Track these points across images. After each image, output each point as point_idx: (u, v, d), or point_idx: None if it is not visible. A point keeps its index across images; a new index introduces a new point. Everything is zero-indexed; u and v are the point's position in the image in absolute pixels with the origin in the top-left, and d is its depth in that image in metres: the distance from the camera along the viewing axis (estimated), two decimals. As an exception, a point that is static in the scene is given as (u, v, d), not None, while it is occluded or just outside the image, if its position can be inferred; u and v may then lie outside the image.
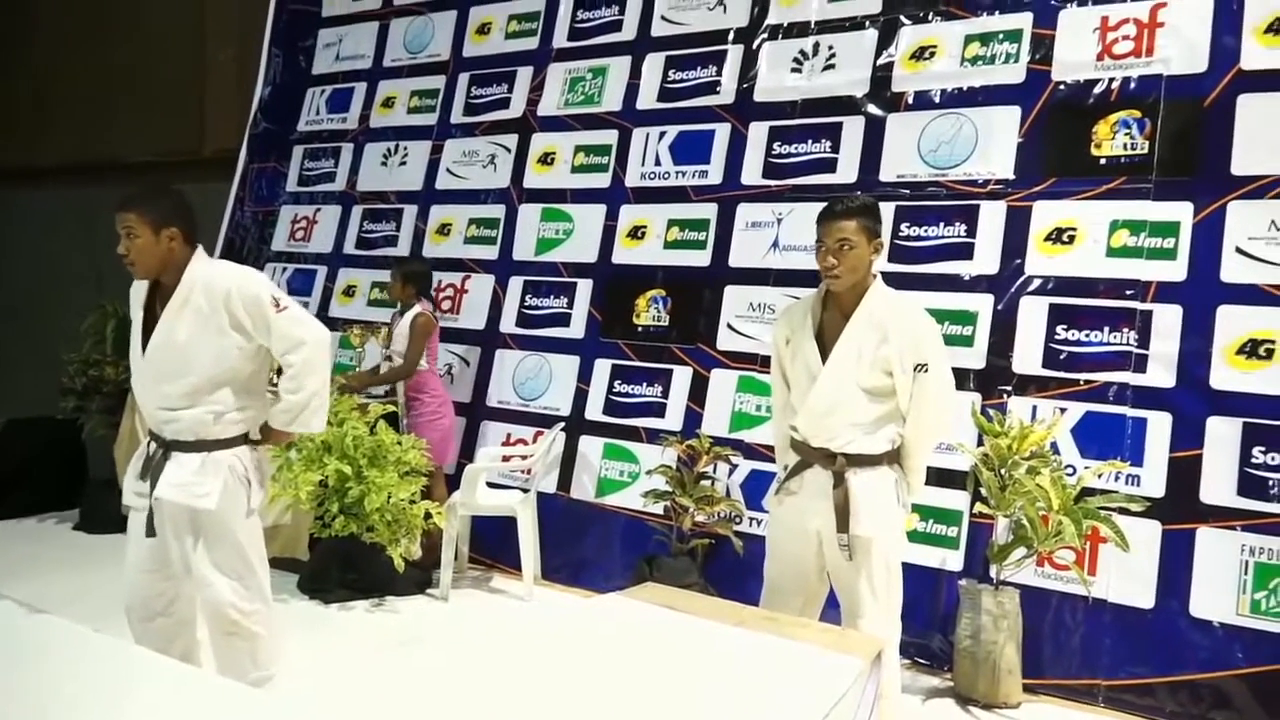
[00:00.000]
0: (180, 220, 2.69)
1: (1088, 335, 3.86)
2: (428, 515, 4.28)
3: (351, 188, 6.17)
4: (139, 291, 2.80)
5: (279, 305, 2.68)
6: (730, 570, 4.18)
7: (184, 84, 7.77)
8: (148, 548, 2.73)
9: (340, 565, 4.43)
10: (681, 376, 4.73)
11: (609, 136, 5.23)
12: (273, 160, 6.58)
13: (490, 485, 4.83)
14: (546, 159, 5.43)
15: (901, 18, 4.54)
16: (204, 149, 7.52)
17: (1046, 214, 4.04)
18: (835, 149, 4.57)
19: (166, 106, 7.88)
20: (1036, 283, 4.00)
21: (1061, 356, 3.88)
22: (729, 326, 4.65)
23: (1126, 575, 3.59)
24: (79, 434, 5.85)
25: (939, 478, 3.88)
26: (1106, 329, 3.82)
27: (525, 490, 4.72)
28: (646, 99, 5.16)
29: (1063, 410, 3.80)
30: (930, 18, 4.48)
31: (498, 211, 5.53)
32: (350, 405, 4.50)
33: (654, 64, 5.19)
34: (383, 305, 5.82)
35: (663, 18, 5.22)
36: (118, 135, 8.18)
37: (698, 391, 4.66)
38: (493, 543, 4.89)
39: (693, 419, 4.61)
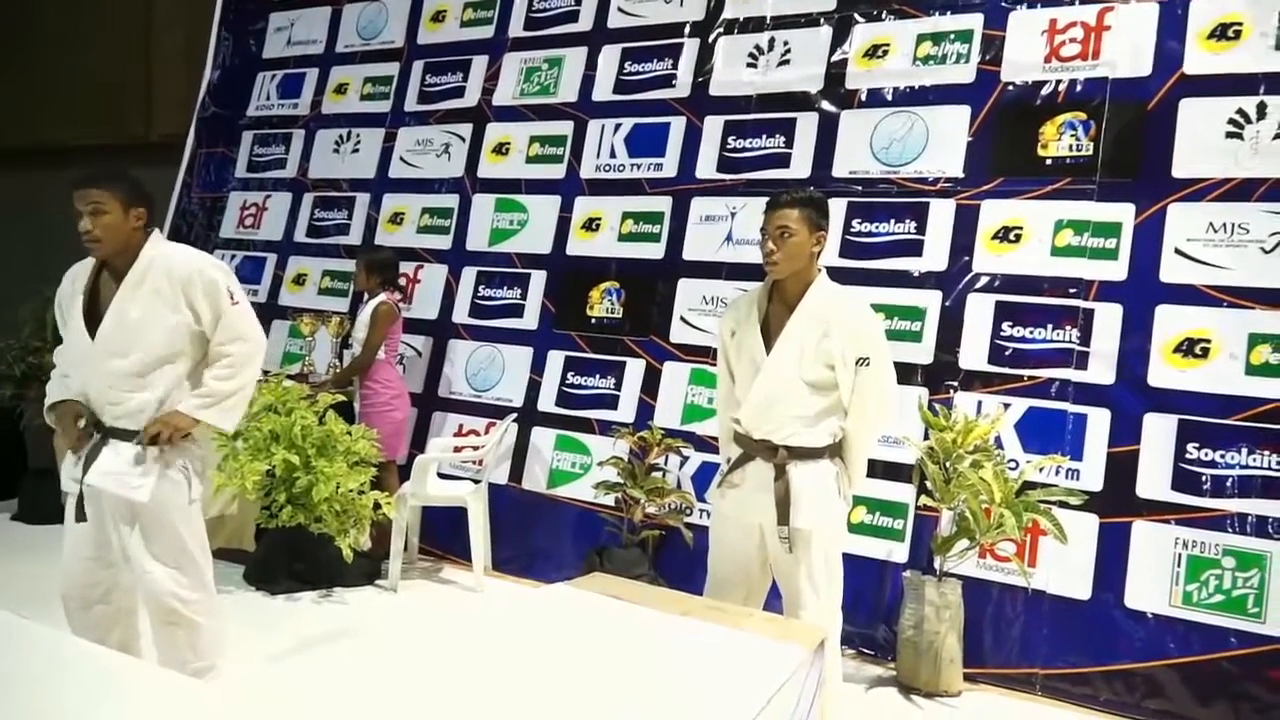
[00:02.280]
0: (147, 202, 2.73)
1: (1032, 332, 3.93)
2: (377, 506, 4.25)
3: (303, 175, 6.09)
4: (79, 273, 2.75)
5: (233, 298, 2.74)
6: (680, 561, 4.20)
7: (130, 66, 7.59)
8: (87, 535, 2.69)
9: (287, 556, 4.38)
10: (634, 369, 4.74)
11: (564, 127, 5.21)
12: (221, 145, 6.46)
13: (441, 476, 4.80)
14: (501, 149, 5.40)
15: (855, 15, 4.58)
16: (150, 133, 7.37)
17: (994, 213, 4.11)
18: (789, 144, 4.60)
19: (112, 89, 7.69)
20: (984, 280, 4.07)
21: (1006, 353, 3.95)
22: (682, 319, 4.67)
23: (1065, 567, 3.67)
24: (17, 423, 5.71)
25: (886, 471, 3.95)
26: (1050, 326, 3.90)
27: (477, 481, 4.70)
28: (602, 90, 5.16)
29: (1006, 405, 3.87)
30: (883, 16, 4.53)
31: (451, 201, 5.49)
32: (299, 394, 4.44)
33: (610, 56, 5.18)
34: (334, 294, 5.76)
35: (619, 9, 5.21)
36: (61, 119, 7.97)
37: (650, 384, 4.68)
38: (443, 534, 4.86)
39: (645, 411, 4.63)
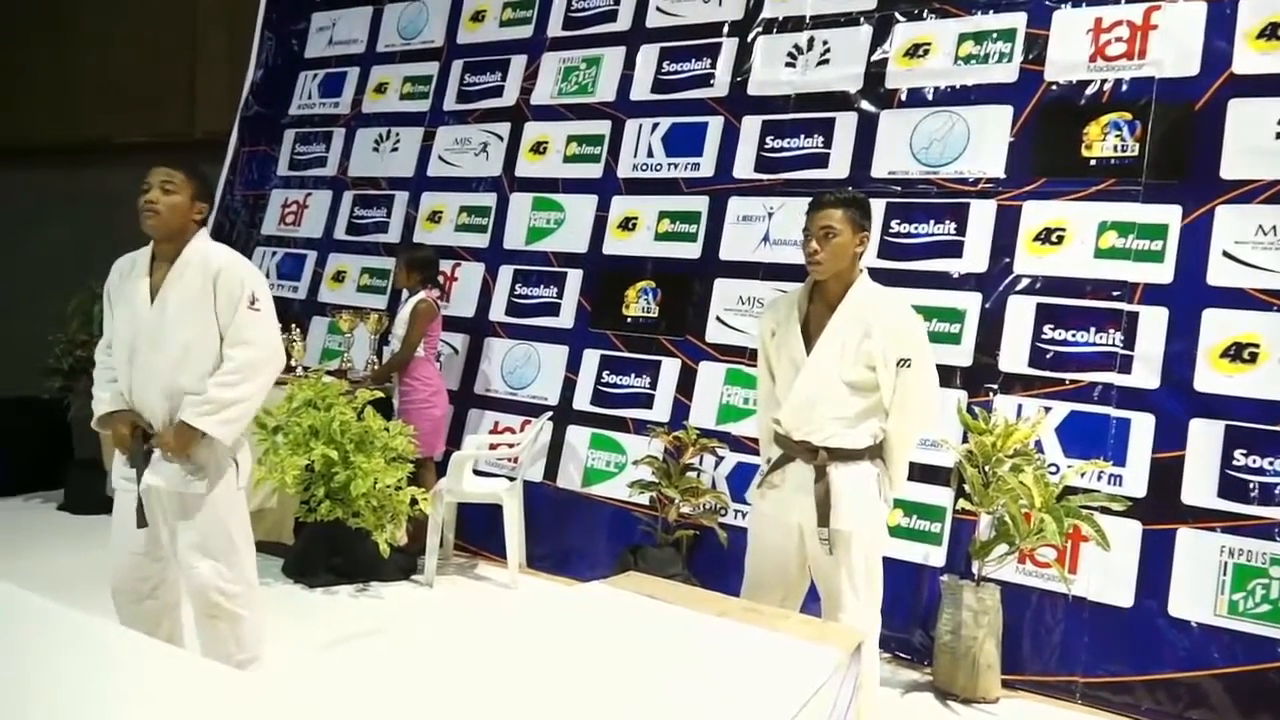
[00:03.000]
0: (210, 201, 2.83)
1: (1074, 335, 3.88)
2: (414, 501, 4.28)
3: (343, 173, 6.15)
4: (128, 266, 2.79)
5: (254, 304, 2.70)
6: (714, 562, 4.20)
7: (175, 65, 7.72)
8: (137, 532, 2.72)
9: (325, 550, 4.43)
10: (670, 368, 4.74)
11: (602, 127, 5.22)
12: (263, 144, 6.55)
13: (477, 473, 4.84)
14: (539, 148, 5.42)
15: (896, 14, 4.54)
16: (194, 131, 7.48)
17: (1036, 214, 4.05)
18: (828, 144, 4.58)
19: (158, 88, 7.82)
20: (1025, 282, 4.02)
21: (1048, 356, 3.90)
22: (718, 319, 4.66)
23: (1107, 574, 3.62)
24: (65, 414, 5.83)
25: (923, 474, 3.91)
26: (1093, 329, 3.84)
27: (511, 479, 4.73)
28: (640, 90, 5.16)
29: (1047, 409, 3.82)
30: (925, 15, 4.49)
31: (489, 200, 5.52)
32: (338, 390, 4.49)
33: (648, 55, 5.18)
34: (373, 291, 5.81)
35: (658, 9, 5.21)
36: (105, 116, 8.12)
37: (685, 383, 4.67)
38: (479, 530, 4.89)
39: (680, 410, 4.62)
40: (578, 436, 4.89)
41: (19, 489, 5.82)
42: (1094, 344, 3.83)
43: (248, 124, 6.64)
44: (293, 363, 5.11)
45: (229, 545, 2.77)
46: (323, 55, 6.46)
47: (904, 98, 4.44)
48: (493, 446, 4.96)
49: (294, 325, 5.33)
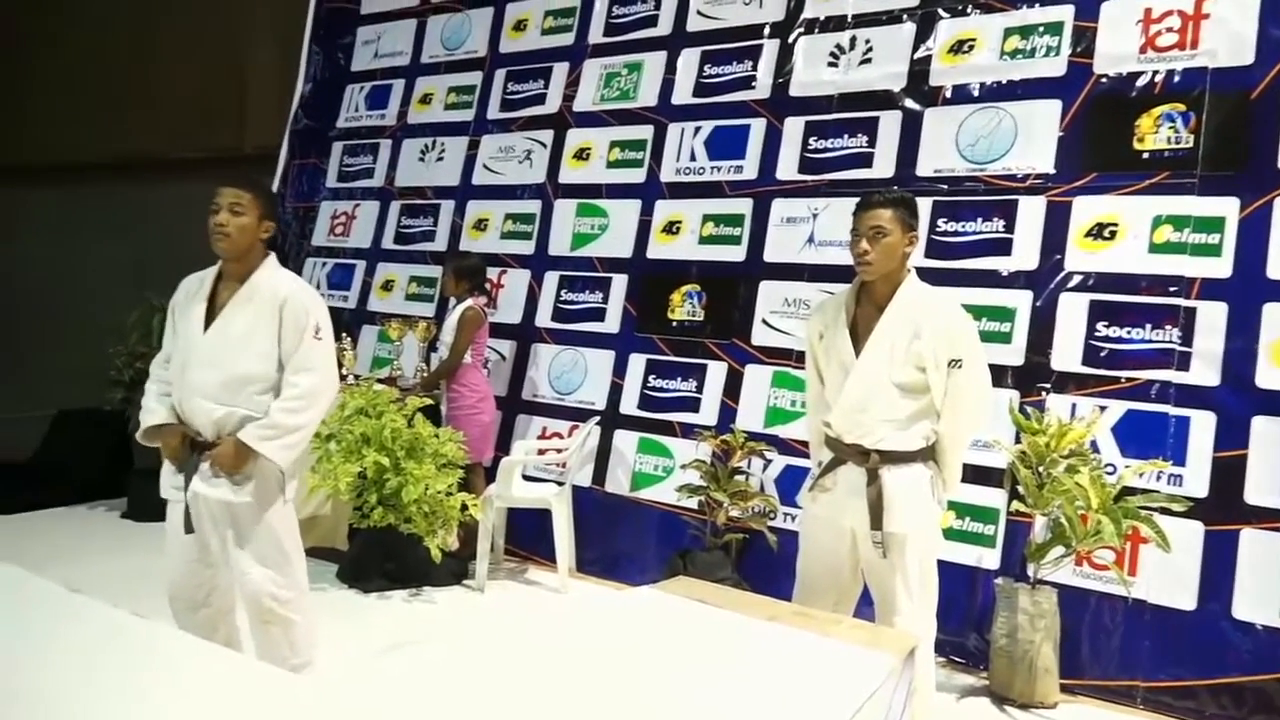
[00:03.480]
0: (276, 219, 2.86)
1: (1129, 332, 3.80)
2: (464, 507, 4.33)
3: (390, 183, 6.24)
4: (195, 284, 2.86)
5: (318, 333, 2.77)
6: (764, 565, 4.18)
7: (226, 82, 7.89)
8: (187, 540, 2.79)
9: (379, 555, 4.50)
10: (716, 371, 4.73)
11: (644, 132, 5.24)
12: (313, 156, 6.67)
13: (526, 478, 4.87)
14: (582, 154, 5.45)
15: (939, 11, 4.49)
16: (245, 145, 7.64)
17: (1087, 209, 3.98)
18: (872, 144, 4.54)
19: (209, 104, 8.00)
20: (1077, 279, 3.95)
21: (1102, 354, 3.83)
22: (764, 322, 4.65)
23: (1167, 576, 3.54)
24: (125, 424, 5.98)
25: (975, 475, 3.85)
26: (1149, 326, 3.76)
27: (560, 483, 4.75)
28: (682, 94, 5.16)
29: (1103, 408, 3.75)
30: (969, 11, 4.43)
31: (533, 207, 5.56)
32: (389, 398, 4.56)
33: (689, 59, 5.18)
34: (420, 299, 5.88)
35: (698, 12, 5.21)
36: (161, 132, 8.32)
37: (732, 386, 4.66)
38: (528, 535, 4.92)
39: (727, 414, 4.61)
40: (625, 441, 4.90)
41: (85, 497, 5.98)
42: (1150, 341, 3.75)
43: (297, 137, 6.77)
44: (344, 371, 5.19)
45: (279, 552, 2.82)
46: (369, 68, 6.57)
47: (949, 95, 4.40)
48: (541, 452, 4.99)
49: (344, 334, 5.41)
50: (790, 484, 4.35)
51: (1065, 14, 4.20)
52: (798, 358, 4.42)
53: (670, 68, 5.23)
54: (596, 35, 5.56)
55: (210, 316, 2.77)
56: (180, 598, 2.85)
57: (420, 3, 6.39)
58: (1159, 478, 3.61)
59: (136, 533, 5.39)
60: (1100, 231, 3.94)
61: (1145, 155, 3.90)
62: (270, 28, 7.58)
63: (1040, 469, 3.53)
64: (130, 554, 4.89)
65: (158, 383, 2.88)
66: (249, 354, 2.72)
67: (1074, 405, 3.82)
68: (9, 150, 9.81)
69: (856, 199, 2.83)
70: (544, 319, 5.35)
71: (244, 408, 2.72)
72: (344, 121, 6.59)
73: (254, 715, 1.75)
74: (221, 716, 1.74)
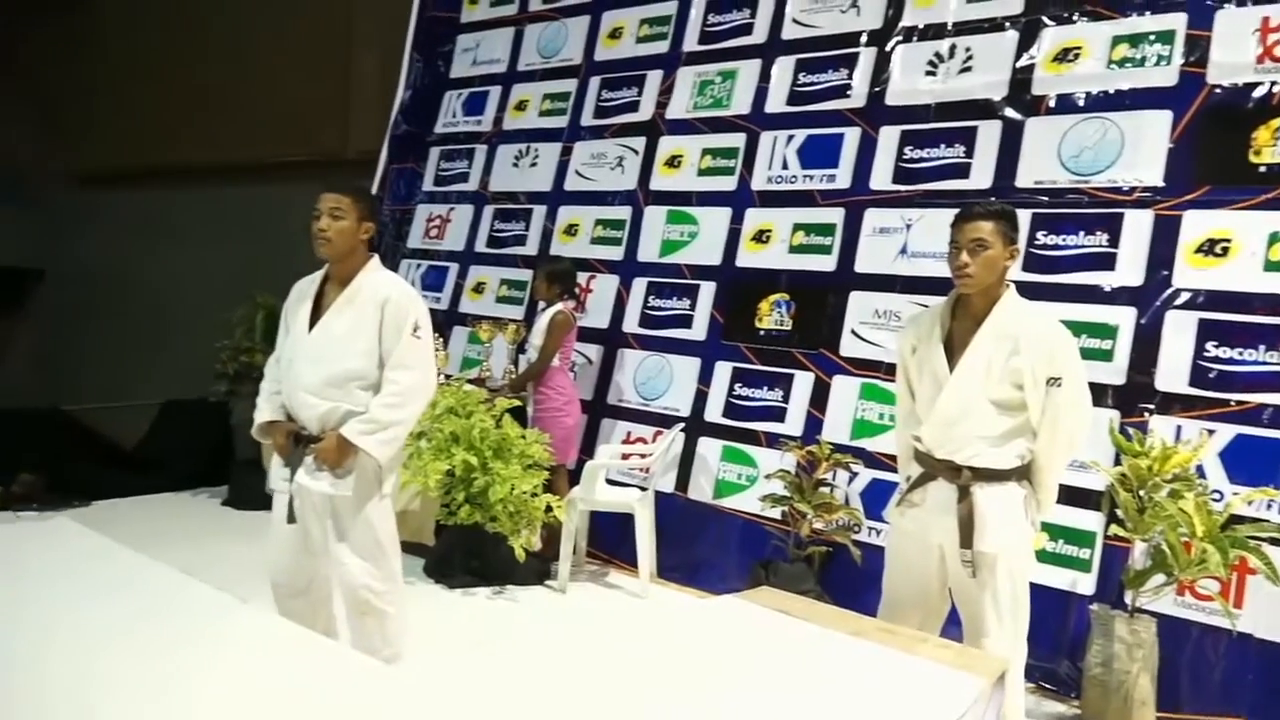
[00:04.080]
0: (376, 220, 2.96)
1: (1241, 353, 3.64)
2: (548, 508, 4.39)
3: (484, 188, 6.36)
4: (306, 285, 2.99)
5: (417, 331, 2.86)
6: (847, 580, 4.12)
7: (331, 90, 8.16)
8: (290, 530, 2.90)
9: (464, 552, 4.59)
10: (803, 382, 4.69)
11: (736, 140, 5.23)
12: (411, 161, 6.85)
13: (609, 482, 4.90)
14: (673, 161, 5.47)
15: (1044, 18, 4.38)
16: (348, 150, 7.89)
17: (1198, 224, 3.82)
18: (969, 154, 4.45)
19: (314, 110, 8.29)
20: (1185, 296, 3.80)
21: (1211, 375, 3.67)
22: (853, 333, 4.59)
23: (1276, 610, 3.37)
24: (228, 416, 6.23)
25: (1071, 496, 3.73)
26: (1262, 347, 3.59)
27: (643, 489, 4.77)
28: (775, 102, 5.14)
29: (1210, 432, 3.59)
30: (1075, 18, 4.31)
31: (624, 213, 5.61)
32: (478, 398, 4.65)
33: (784, 67, 5.16)
34: (511, 302, 5.98)
35: (794, 20, 5.19)
36: (268, 137, 8.65)
37: (819, 397, 4.62)
38: (610, 539, 4.96)
39: (813, 425, 4.57)
40: (709, 448, 4.90)
41: (188, 485, 6.25)
42: (1264, 363, 3.58)
43: (396, 142, 6.96)
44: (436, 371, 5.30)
45: (376, 546, 2.92)
46: (467, 75, 6.71)
47: (1052, 104, 4.28)
48: (625, 456, 5.02)
49: (436, 335, 5.54)
50: (876, 498, 4.28)
51: (1177, 22, 4.04)
52: (887, 370, 4.35)
53: (764, 76, 5.21)
54: (691, 43, 5.57)
55: (316, 316, 2.88)
56: (282, 584, 2.97)
57: (518, 12, 6.51)
58: (1269, 506, 3.44)
59: (237, 520, 5.61)
60: (1212, 248, 3.78)
61: (1262, 169, 3.73)
62: (373, 36, 7.81)
63: (1141, 493, 3.41)
64: (231, 540, 5.08)
65: (269, 381, 3.02)
66: (351, 352, 2.83)
67: (1179, 428, 3.67)
68: (127, 154, 10.33)
69: (952, 210, 2.78)
70: (631, 324, 5.38)
71: (347, 404, 2.82)
72: (442, 127, 6.75)
73: (347, 702, 1.82)
74: (318, 701, 1.80)
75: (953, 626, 2.83)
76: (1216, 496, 3.48)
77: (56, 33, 11.27)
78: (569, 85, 6.09)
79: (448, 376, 5.35)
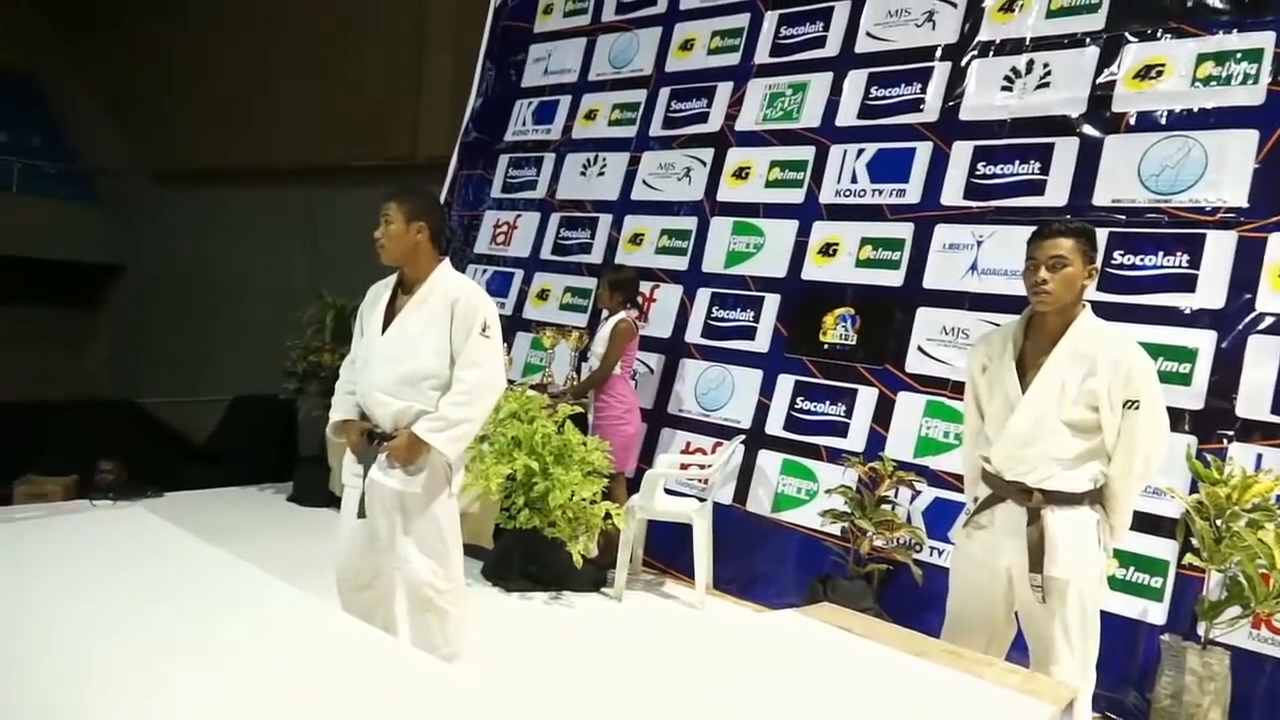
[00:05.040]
0: (429, 216, 2.98)
1: (1327, 382, 3.51)
2: (607, 515, 4.40)
3: (551, 196, 6.43)
4: (381, 288, 3.07)
5: (485, 330, 2.92)
6: (907, 599, 4.07)
7: (403, 95, 8.34)
8: (359, 524, 2.96)
9: (522, 556, 4.62)
10: (866, 397, 4.65)
11: (805, 153, 5.21)
12: (480, 168, 6.95)
13: (667, 492, 4.90)
14: (741, 173, 5.47)
15: (1126, 35, 4.29)
16: (418, 155, 8.04)
17: (1284, 247, 3.71)
18: (1045, 170, 4.37)
19: (387, 116, 8.47)
20: (1269, 320, 3.68)
21: (1295, 403, 3.55)
22: (919, 349, 4.53)
23: (1360, 649, 3.24)
24: (295, 413, 6.36)
25: (1143, 523, 3.63)
26: (1350, 376, 3.47)
27: (702, 499, 4.76)
28: (846, 116, 5.11)
29: (1293, 462, 3.47)
30: (1159, 35, 4.22)
31: (690, 223, 5.61)
32: (540, 404, 4.69)
33: (856, 81, 5.13)
34: (574, 310, 6.03)
35: (868, 34, 5.16)
36: (342, 141, 8.86)
37: (883, 413, 4.57)
38: (667, 548, 4.96)
39: (876, 441, 4.52)
40: (769, 461, 4.87)
41: (254, 479, 6.40)
42: (1352, 392, 3.45)
43: (467, 149, 7.06)
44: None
45: (441, 544, 2.97)
46: (538, 84, 6.79)
47: (1133, 121, 4.19)
48: (684, 466, 5.01)
49: (502, 340, 5.60)
50: (938, 517, 4.22)
51: (1266, 40, 3.93)
52: (954, 388, 4.29)
53: (836, 89, 5.18)
54: (763, 56, 5.57)
55: (390, 319, 2.95)
56: (347, 579, 3.03)
57: (591, 22, 6.57)
58: (1355, 541, 3.31)
59: (301, 515, 5.73)
60: (1298, 271, 3.66)
61: (1354, 192, 3.61)
62: (446, 43, 7.97)
63: (1219, 522, 3.30)
64: (295, 535, 5.19)
65: (344, 382, 3.10)
66: (424, 351, 2.89)
67: (1259, 456, 3.56)
68: (202, 155, 10.66)
69: (1025, 227, 2.74)
70: (694, 335, 5.38)
71: (419, 403, 2.88)
72: (511, 135, 6.83)
73: (404, 698, 1.85)
74: (375, 697, 1.84)
75: (1016, 652, 2.77)
76: (1298, 529, 3.36)
77: (134, 36, 11.71)
78: (639, 95, 6.13)
79: (511, 382, 5.40)
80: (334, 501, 3.12)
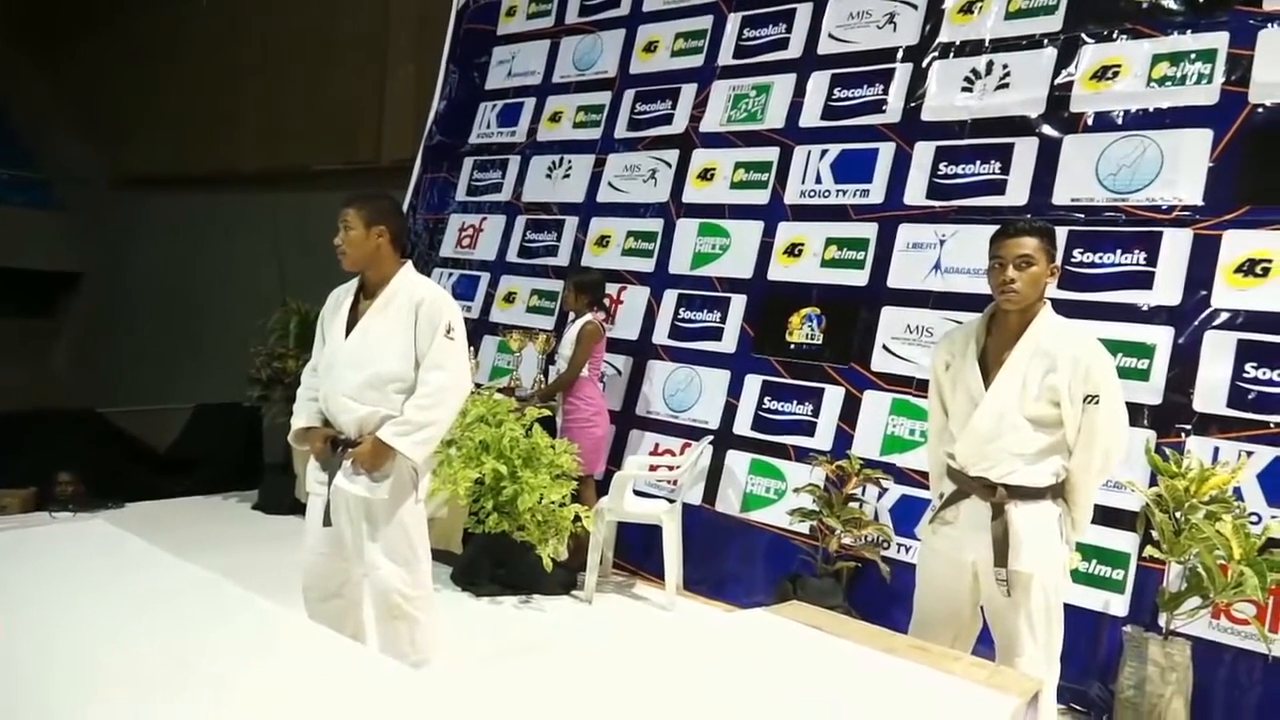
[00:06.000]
0: (389, 220, 2.95)
1: (1281, 375, 3.59)
2: (576, 518, 4.40)
3: (517, 198, 6.41)
4: (342, 293, 3.03)
5: (450, 333, 2.90)
6: (876, 596, 4.10)
7: (367, 98, 8.26)
8: (324, 533, 2.93)
9: (491, 560, 4.61)
10: (833, 396, 4.68)
11: (770, 153, 5.24)
12: (444, 171, 6.91)
13: (637, 493, 4.91)
14: (706, 175, 5.49)
15: (1083, 36, 4.36)
16: (383, 158, 7.97)
17: (1238, 244, 3.78)
18: (1005, 170, 4.43)
19: (350, 119, 8.39)
20: (1224, 316, 3.76)
21: (1250, 396, 3.63)
22: (884, 348, 4.57)
23: (1315, 636, 3.31)
24: (260, 421, 6.29)
25: (1105, 516, 3.69)
26: (1303, 369, 3.55)
27: (671, 500, 4.77)
28: (810, 117, 5.14)
29: (1249, 454, 3.54)
30: (1115, 36, 4.29)
31: (656, 225, 5.62)
32: (508, 407, 4.67)
33: (819, 82, 5.16)
34: (541, 312, 6.01)
35: (830, 36, 5.19)
36: (304, 145, 8.77)
37: (849, 412, 4.60)
38: (637, 550, 4.96)
39: (843, 440, 4.55)
40: (737, 461, 4.89)
41: (219, 488, 6.32)
42: (1304, 385, 3.53)
43: (431, 152, 7.02)
44: (466, 379, 5.33)
45: (409, 550, 2.94)
46: (502, 87, 6.77)
47: (1090, 122, 4.26)
48: (653, 468, 5.01)
49: (468, 344, 5.57)
50: (905, 514, 4.26)
51: (1219, 41, 4.01)
52: (918, 385, 4.33)
53: (799, 90, 5.22)
54: (726, 57, 5.59)
55: (352, 323, 2.92)
56: (314, 587, 2.99)
57: (554, 24, 6.56)
58: (1310, 531, 3.38)
59: (266, 524, 5.66)
60: (1252, 268, 3.74)
61: (1305, 189, 3.69)
62: (409, 48, 7.90)
63: (1178, 514, 3.36)
64: (261, 544, 5.14)
65: (306, 389, 3.06)
66: (388, 354, 2.86)
67: (1216, 449, 3.63)
68: (164, 160, 10.50)
69: (987, 226, 2.79)
70: (661, 336, 5.39)
71: (384, 407, 2.85)
72: (476, 138, 6.80)
73: (374, 707, 1.83)
74: (345, 705, 1.82)
75: (982, 645, 2.80)
76: (1254, 519, 3.43)
77: (98, 39, 11.51)
78: (603, 98, 6.13)
79: (478, 385, 5.38)
80: (300, 509, 3.08)
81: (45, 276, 12.22)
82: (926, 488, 3.16)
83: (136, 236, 11.15)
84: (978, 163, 4.52)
